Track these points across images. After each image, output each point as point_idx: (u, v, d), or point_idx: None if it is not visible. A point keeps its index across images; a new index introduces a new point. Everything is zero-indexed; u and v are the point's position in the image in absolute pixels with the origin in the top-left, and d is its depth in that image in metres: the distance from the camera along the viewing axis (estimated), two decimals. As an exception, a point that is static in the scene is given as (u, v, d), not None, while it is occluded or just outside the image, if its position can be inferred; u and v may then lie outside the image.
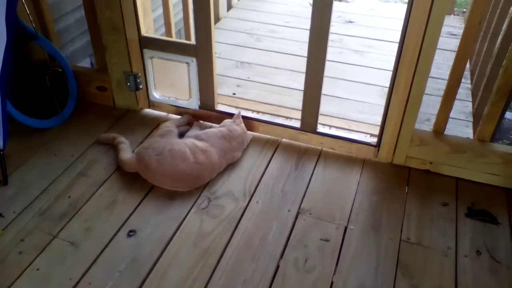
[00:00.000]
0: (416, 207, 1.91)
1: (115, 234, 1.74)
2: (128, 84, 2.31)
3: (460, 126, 2.42)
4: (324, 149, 2.19)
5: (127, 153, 2.05)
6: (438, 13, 1.69)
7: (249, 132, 2.20)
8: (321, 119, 2.17)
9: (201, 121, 2.31)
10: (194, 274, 1.60)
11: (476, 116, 2.46)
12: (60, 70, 2.28)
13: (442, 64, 2.71)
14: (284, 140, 2.24)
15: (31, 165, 2.05)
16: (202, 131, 2.11)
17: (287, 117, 2.30)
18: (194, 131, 2.15)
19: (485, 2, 1.74)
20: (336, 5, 3.22)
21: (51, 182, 1.96)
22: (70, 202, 1.87)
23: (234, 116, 2.18)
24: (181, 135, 2.14)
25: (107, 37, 2.20)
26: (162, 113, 2.39)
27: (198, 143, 2.00)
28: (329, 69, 2.06)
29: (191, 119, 2.27)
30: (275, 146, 2.21)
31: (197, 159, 1.94)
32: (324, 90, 2.08)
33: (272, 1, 3.92)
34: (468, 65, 2.90)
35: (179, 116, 2.32)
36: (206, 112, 2.30)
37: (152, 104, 2.39)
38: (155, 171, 1.92)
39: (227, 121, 2.17)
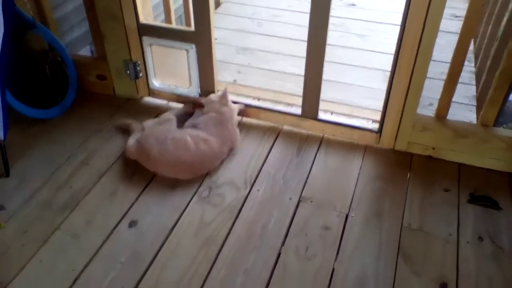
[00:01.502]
0: (418, 193, 1.90)
1: (116, 225, 1.74)
2: (128, 72, 2.29)
3: (463, 111, 2.39)
4: (325, 135, 2.18)
5: (133, 139, 2.03)
6: (440, -6, 1.65)
7: (248, 119, 2.18)
8: (322, 105, 2.15)
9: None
10: (195, 264, 1.61)
11: (480, 100, 2.42)
12: (59, 59, 2.26)
13: (445, 47, 2.66)
14: (285, 127, 2.23)
15: (32, 156, 2.05)
16: (198, 120, 2.09)
17: (288, 104, 2.28)
18: (194, 120, 2.13)
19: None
20: (337, -12, 3.18)
21: (53, 173, 1.96)
22: (72, 193, 1.87)
23: (220, 95, 2.13)
24: (182, 122, 2.13)
25: (105, 25, 2.18)
26: (163, 101, 2.38)
27: (199, 132, 1.99)
28: (331, 53, 2.03)
29: (191, 108, 2.25)
30: (276, 134, 2.19)
31: (198, 148, 1.93)
32: (326, 76, 2.06)
33: (274, -16, 3.86)
34: (472, 48, 2.86)
35: (180, 105, 2.30)
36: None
37: (152, 92, 2.38)
38: (157, 159, 1.92)
39: (212, 99, 2.12)
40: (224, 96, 2.12)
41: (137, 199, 1.85)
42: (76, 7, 2.63)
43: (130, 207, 1.82)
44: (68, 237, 1.70)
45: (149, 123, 2.10)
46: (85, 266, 1.60)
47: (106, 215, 1.78)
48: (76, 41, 2.72)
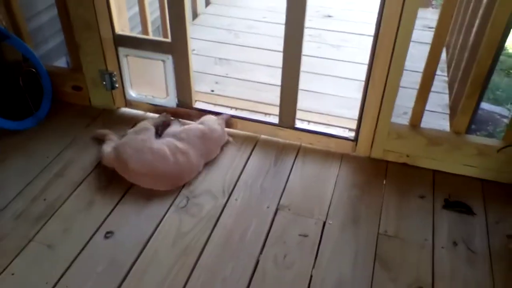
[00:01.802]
0: (394, 200, 1.92)
1: (92, 236, 1.72)
2: (104, 83, 2.28)
3: (437, 119, 2.44)
4: (302, 144, 2.20)
5: (109, 146, 2.01)
6: (412, 6, 1.70)
7: (227, 129, 2.19)
8: (299, 114, 2.17)
9: (180, 119, 2.28)
10: (173, 274, 1.59)
11: (453, 108, 2.48)
12: (33, 70, 2.24)
13: (418, 57, 2.72)
14: (262, 136, 2.24)
15: (5, 167, 2.01)
16: (182, 129, 2.09)
17: (265, 113, 2.30)
18: (173, 128, 2.13)
19: (458, -6, 1.76)
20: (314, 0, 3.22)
21: (27, 184, 1.92)
22: (47, 204, 1.84)
23: (220, 116, 2.16)
24: (160, 131, 2.12)
25: (80, 36, 2.17)
26: (140, 112, 2.37)
27: (178, 143, 1.98)
28: (308, 64, 2.06)
29: (169, 118, 2.25)
30: (254, 143, 2.20)
31: (177, 160, 1.93)
32: (302, 85, 2.08)
33: (249, -4, 3.90)
34: (444, 58, 2.93)
35: (157, 115, 2.30)
36: (184, 110, 2.29)
37: (129, 103, 2.37)
38: (133, 169, 1.90)
39: (209, 118, 2.15)
40: (223, 119, 2.15)
41: (113, 209, 1.83)
42: (51, 18, 2.61)
43: (107, 217, 1.79)
44: (42, 248, 1.67)
45: (130, 132, 2.08)
46: (60, 278, 1.57)
47: (82, 226, 1.76)
48: (51, 52, 2.69)
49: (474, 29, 2.23)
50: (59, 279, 1.56)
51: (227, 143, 2.17)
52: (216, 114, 2.23)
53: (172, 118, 2.25)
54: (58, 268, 1.60)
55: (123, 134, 2.09)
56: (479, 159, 1.98)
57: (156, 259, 1.65)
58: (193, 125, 2.13)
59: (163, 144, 1.97)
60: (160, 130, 2.14)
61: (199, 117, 2.22)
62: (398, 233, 1.78)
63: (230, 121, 2.24)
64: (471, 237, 1.77)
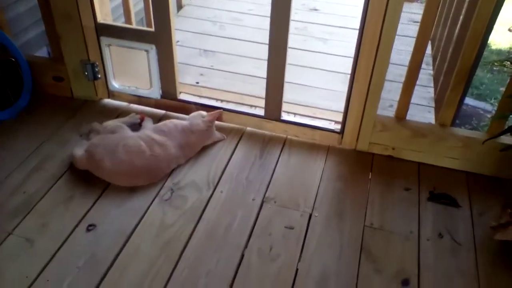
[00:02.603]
0: (379, 192, 1.92)
1: (73, 229, 1.68)
2: (86, 73, 2.23)
3: (423, 112, 2.45)
4: (288, 137, 2.18)
5: (80, 150, 1.94)
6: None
7: (216, 122, 2.16)
8: (285, 107, 2.15)
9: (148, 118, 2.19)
10: (156, 267, 1.57)
11: (438, 101, 2.49)
12: (12, 59, 2.18)
13: (404, 51, 2.73)
14: (248, 128, 2.22)
15: (-17, 160, 1.96)
16: (162, 123, 2.05)
17: (251, 106, 2.27)
18: (148, 124, 2.10)
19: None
20: (299, -8, 3.21)
21: (5, 178, 1.87)
22: (25, 197, 1.79)
23: (210, 113, 2.10)
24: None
25: (61, 25, 2.11)
26: (123, 103, 2.32)
27: (155, 135, 1.94)
28: (294, 57, 2.05)
29: (137, 118, 2.17)
30: (240, 135, 2.18)
31: (153, 152, 1.89)
32: (289, 78, 2.06)
33: (235, -11, 3.87)
34: (430, 51, 2.94)
35: (141, 107, 2.26)
36: (169, 101, 2.25)
37: (111, 94, 2.32)
38: (109, 170, 1.85)
39: (196, 114, 2.10)
40: (213, 116, 2.09)
41: (95, 202, 1.79)
42: (30, 7, 2.55)
43: (88, 211, 1.75)
44: (21, 242, 1.62)
45: (109, 123, 2.04)
46: (40, 272, 1.52)
47: (62, 220, 1.71)
48: (32, 41, 2.63)
49: (459, 23, 2.24)
50: (39, 273, 1.52)
51: (218, 141, 2.13)
52: (202, 106, 2.20)
53: (139, 118, 2.16)
54: (38, 262, 1.56)
55: (96, 131, 2.04)
56: (463, 151, 1.99)
57: (139, 252, 1.62)
58: (175, 120, 2.09)
59: (138, 138, 1.92)
60: (136, 128, 2.09)
61: (183, 108, 2.18)
62: (384, 225, 1.77)
63: (221, 117, 2.20)
64: (456, 229, 1.78)
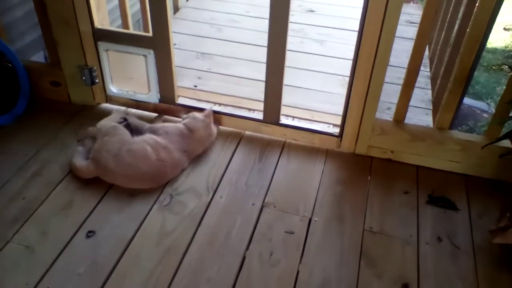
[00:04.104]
0: (378, 196, 1.92)
1: (73, 236, 1.67)
2: (83, 78, 2.22)
3: (420, 114, 2.46)
4: (287, 140, 2.18)
5: (81, 157, 1.94)
6: (396, 1, 1.69)
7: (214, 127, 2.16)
8: (284, 110, 2.15)
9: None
10: (156, 274, 1.56)
11: (436, 104, 2.49)
12: (9, 65, 2.16)
13: (401, 53, 2.73)
14: (247, 132, 2.22)
15: (-20, 166, 1.95)
16: (160, 126, 2.05)
17: (249, 109, 2.27)
18: (153, 126, 2.08)
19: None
20: (296, -6, 3.20)
21: (4, 184, 1.86)
22: (24, 204, 1.79)
23: (205, 113, 2.10)
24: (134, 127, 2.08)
25: (58, 30, 2.10)
26: (121, 108, 2.32)
27: (158, 138, 1.94)
28: (291, 59, 2.04)
29: (125, 115, 2.15)
30: (238, 139, 2.18)
31: (159, 156, 1.89)
32: (286, 81, 2.06)
33: (231, -10, 3.86)
34: (427, 53, 2.95)
35: (139, 111, 2.25)
36: (167, 105, 2.25)
37: (109, 99, 2.31)
38: (115, 172, 1.85)
39: (193, 116, 2.08)
40: (209, 116, 2.09)
41: (94, 208, 1.79)
42: (26, 12, 2.54)
43: (87, 217, 1.75)
44: (21, 250, 1.61)
45: (102, 124, 2.02)
46: (40, 279, 1.52)
47: (61, 226, 1.71)
48: (28, 46, 2.62)
49: (457, 25, 2.24)
50: (39, 281, 1.52)
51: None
52: (200, 110, 2.19)
53: (126, 116, 2.13)
54: (38, 269, 1.55)
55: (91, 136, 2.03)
56: (462, 154, 1.99)
57: (139, 259, 1.61)
58: (171, 123, 2.08)
59: (143, 142, 1.92)
60: (131, 126, 2.07)
61: (183, 112, 2.18)
62: (383, 229, 1.78)
63: (220, 121, 2.20)
64: (455, 233, 1.78)
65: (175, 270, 1.58)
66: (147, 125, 2.08)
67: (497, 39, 4.87)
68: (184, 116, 2.12)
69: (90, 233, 1.69)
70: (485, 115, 3.84)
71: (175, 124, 2.07)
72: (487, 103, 4.00)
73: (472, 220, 1.84)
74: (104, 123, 2.06)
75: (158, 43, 2.06)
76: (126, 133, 1.98)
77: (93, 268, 1.57)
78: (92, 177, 1.90)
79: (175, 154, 1.94)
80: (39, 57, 2.73)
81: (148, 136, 1.97)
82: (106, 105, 2.33)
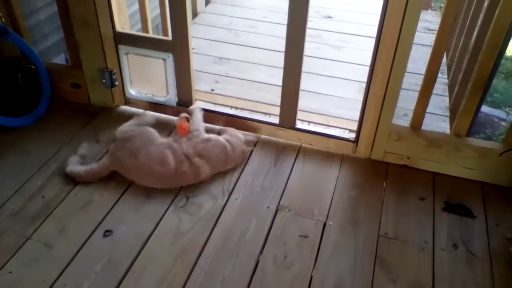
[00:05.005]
0: (393, 202, 1.92)
1: (90, 234, 1.70)
2: (103, 80, 2.26)
3: (437, 121, 2.44)
4: (303, 145, 2.19)
5: (75, 165, 1.96)
6: (414, 8, 1.69)
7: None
8: (299, 114, 2.16)
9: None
10: (171, 274, 1.58)
11: (453, 110, 2.48)
12: (32, 67, 2.22)
13: (419, 59, 2.73)
14: (263, 136, 2.23)
15: (3, 165, 1.99)
16: (203, 146, 1.97)
17: (265, 113, 2.29)
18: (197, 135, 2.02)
19: (460, -3, 1.76)
20: (314, 0, 3.22)
21: (24, 182, 1.91)
22: (44, 202, 1.82)
23: (249, 140, 2.13)
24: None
25: (80, 33, 2.15)
26: (139, 110, 2.35)
27: (194, 158, 1.92)
28: (308, 64, 2.06)
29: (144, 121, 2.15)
30: (254, 143, 2.19)
31: (179, 168, 1.89)
32: (303, 86, 2.08)
33: (249, -4, 3.90)
34: (445, 60, 2.93)
35: (157, 114, 2.28)
36: (185, 109, 2.27)
37: (128, 101, 2.35)
38: (128, 166, 1.90)
39: (236, 139, 2.06)
40: (249, 141, 2.12)
41: (112, 208, 1.82)
42: (50, 15, 2.60)
43: (105, 216, 1.78)
44: (40, 247, 1.65)
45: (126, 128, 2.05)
46: (58, 277, 1.55)
47: (80, 224, 1.74)
48: (50, 49, 2.68)
49: (475, 32, 2.23)
50: (57, 278, 1.55)
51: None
52: (217, 113, 2.21)
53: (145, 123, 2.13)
54: (55, 266, 1.58)
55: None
56: (479, 161, 1.98)
57: (155, 258, 1.63)
58: (217, 141, 2.02)
59: (164, 149, 1.92)
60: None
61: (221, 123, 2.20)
62: (398, 234, 1.77)
63: (236, 125, 2.19)
64: (471, 240, 1.77)
65: (190, 270, 1.59)
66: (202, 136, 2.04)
67: (516, 47, 4.81)
68: (221, 127, 2.13)
69: (107, 232, 1.72)
70: (503, 123, 3.80)
71: (221, 142, 2.01)
72: (506, 111, 3.96)
73: (489, 227, 1.82)
74: (129, 127, 2.07)
75: (177, 47, 2.09)
76: (153, 132, 1.99)
77: (110, 267, 1.60)
78: (113, 170, 1.93)
79: (205, 170, 1.94)
80: (60, 59, 2.79)
81: (184, 148, 1.94)
82: (125, 107, 2.37)
